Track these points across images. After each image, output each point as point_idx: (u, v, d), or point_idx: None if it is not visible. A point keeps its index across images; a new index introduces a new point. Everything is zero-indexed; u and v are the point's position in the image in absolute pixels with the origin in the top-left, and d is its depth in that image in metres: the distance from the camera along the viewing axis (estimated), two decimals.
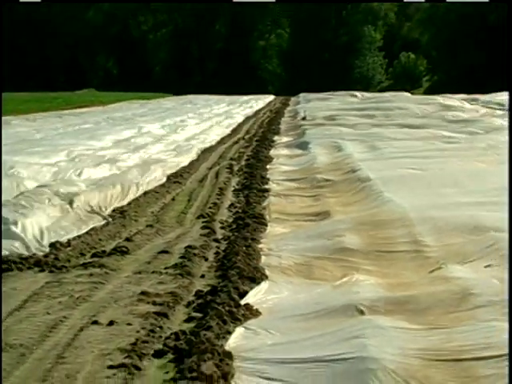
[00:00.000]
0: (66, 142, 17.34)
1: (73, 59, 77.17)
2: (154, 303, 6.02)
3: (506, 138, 17.57)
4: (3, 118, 27.41)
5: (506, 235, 6.98)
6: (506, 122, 20.46)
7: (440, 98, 33.49)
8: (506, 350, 4.26)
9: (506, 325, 4.73)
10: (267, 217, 9.32)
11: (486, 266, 6.29)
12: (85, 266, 7.25)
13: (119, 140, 18.79)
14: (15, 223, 8.23)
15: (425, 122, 22.20)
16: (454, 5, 73.48)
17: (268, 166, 14.48)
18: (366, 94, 43.52)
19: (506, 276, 5.70)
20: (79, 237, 8.46)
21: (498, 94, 35.98)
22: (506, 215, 7.80)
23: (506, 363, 4.14)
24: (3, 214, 8.40)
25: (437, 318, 5.08)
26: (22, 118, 27.77)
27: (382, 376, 4.09)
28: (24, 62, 74.84)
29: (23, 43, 75.65)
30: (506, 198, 8.61)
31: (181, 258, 7.48)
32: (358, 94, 43.47)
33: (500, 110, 27.72)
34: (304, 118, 26.47)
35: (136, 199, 10.93)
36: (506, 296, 5.22)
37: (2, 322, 4.99)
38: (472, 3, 68.70)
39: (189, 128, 23.96)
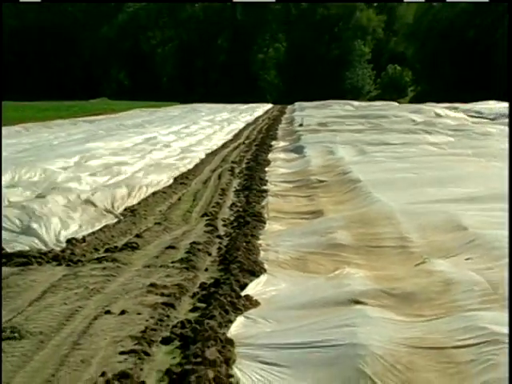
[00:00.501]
0: (81, 148, 17.34)
1: (88, 71, 77.25)
2: (162, 294, 6.02)
3: (491, 142, 17.65)
4: (23, 124, 27.55)
5: (484, 232, 7.00)
6: (491, 129, 20.34)
7: (425, 107, 33.53)
8: (485, 338, 4.27)
9: (486, 313, 4.73)
10: (265, 215, 9.33)
11: (466, 259, 6.31)
12: (98, 260, 7.26)
13: (130, 145, 18.81)
14: (35, 221, 8.25)
15: (413, 129, 22.22)
16: (436, 22, 73.65)
17: (266, 169, 14.49)
18: (356, 103, 43.53)
19: (483, 267, 5.71)
20: (93, 233, 8.47)
21: (478, 103, 36.08)
22: (486, 215, 7.84)
23: (485, 349, 4.14)
24: (24, 211, 8.42)
25: (421, 307, 5.09)
26: (40, 125, 27.76)
27: (370, 361, 4.10)
28: (44, 73, 74.99)
29: (43, 56, 75.78)
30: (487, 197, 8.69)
31: (186, 253, 7.48)
32: (354, 103, 43.54)
33: (480, 117, 27.79)
34: (301, 125, 26.41)
35: (145, 199, 10.93)
36: (487, 286, 5.23)
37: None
38: (451, 19, 68.75)
39: (194, 134, 23.98)
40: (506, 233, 6.87)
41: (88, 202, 9.72)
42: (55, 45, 76.59)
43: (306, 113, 34.88)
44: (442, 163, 13.20)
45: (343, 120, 27.60)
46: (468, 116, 28.73)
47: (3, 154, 15.48)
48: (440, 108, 32.89)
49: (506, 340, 4.19)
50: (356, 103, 44.21)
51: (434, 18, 75.45)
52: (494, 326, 4.38)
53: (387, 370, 4.03)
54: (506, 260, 6.02)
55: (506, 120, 26.16)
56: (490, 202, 8.57)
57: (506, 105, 35.92)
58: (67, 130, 25.70)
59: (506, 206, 8.08)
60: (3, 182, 10.93)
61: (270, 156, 17.13)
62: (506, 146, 16.58)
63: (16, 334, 5.05)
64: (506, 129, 21.15)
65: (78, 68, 77.05)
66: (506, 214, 7.50)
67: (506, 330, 4.32)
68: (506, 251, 6.28)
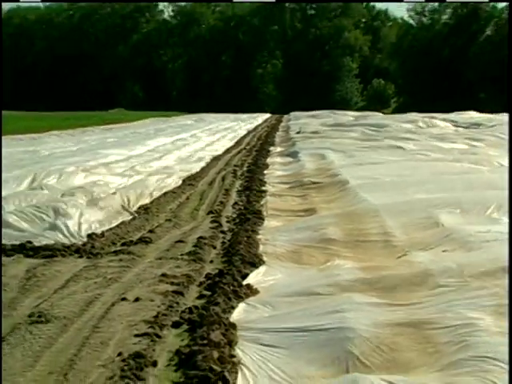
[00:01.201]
0: (104, 152, 17.35)
1: (106, 85, 77.36)
2: (172, 283, 6.02)
3: (462, 147, 17.64)
4: (49, 132, 27.57)
5: (459, 227, 7.00)
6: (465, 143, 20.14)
7: (409, 116, 33.55)
8: (459, 321, 4.27)
9: (460, 298, 4.72)
10: (264, 213, 9.32)
11: (443, 251, 6.31)
12: (115, 253, 7.25)
13: (144, 150, 18.82)
14: (59, 218, 8.25)
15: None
16: (416, 41, 73.83)
17: (265, 172, 14.48)
18: (350, 113, 43.57)
19: (460, 259, 5.71)
20: (111, 229, 8.46)
21: (452, 113, 36.12)
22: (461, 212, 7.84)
23: (460, 331, 4.14)
24: (49, 209, 8.42)
25: (402, 294, 5.09)
26: (64, 133, 27.78)
27: (358, 343, 4.11)
28: (67, 87, 75.16)
29: (67, 72, 75.95)
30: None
31: (194, 246, 7.48)
32: (349, 112, 43.62)
33: (456, 126, 27.79)
34: (298, 132, 26.31)
35: (157, 198, 10.93)
36: (467, 278, 5.22)
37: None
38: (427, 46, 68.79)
39: (200, 140, 23.99)
40: (478, 228, 6.88)
41: (107, 200, 9.73)
42: (78, 62, 76.78)
43: (301, 122, 34.89)
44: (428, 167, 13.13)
45: (334, 128, 27.63)
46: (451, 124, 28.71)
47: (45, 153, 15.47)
48: (419, 117, 32.93)
49: (480, 324, 4.18)
50: (350, 113, 44.29)
51: (414, 38, 75.74)
52: (469, 311, 4.39)
53: (373, 351, 4.04)
54: (478, 251, 6.03)
55: (476, 128, 26.20)
56: (466, 201, 8.56)
57: (481, 115, 36.00)
58: (88, 136, 25.68)
59: (480, 206, 8.12)
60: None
61: (269, 160, 17.12)
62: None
63: (42, 319, 5.05)
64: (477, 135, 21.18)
65: (98, 82, 77.22)
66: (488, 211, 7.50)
67: (478, 315, 4.33)
68: (478, 244, 6.29)
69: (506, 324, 4.16)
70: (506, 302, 4.49)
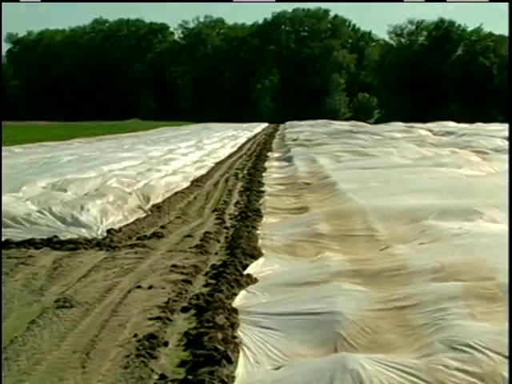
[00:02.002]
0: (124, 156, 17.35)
1: (124, 98, 77.37)
2: (181, 273, 6.01)
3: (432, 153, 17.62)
4: (73, 139, 27.58)
5: (433, 223, 6.99)
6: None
7: (389, 126, 33.58)
8: (435, 306, 4.24)
9: (436, 284, 4.71)
10: (263, 211, 9.31)
11: (420, 244, 6.30)
12: (131, 246, 7.25)
13: (156, 155, 18.82)
14: (82, 214, 8.25)
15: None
16: (396, 59, 73.89)
17: (263, 174, 14.47)
18: (336, 123, 43.58)
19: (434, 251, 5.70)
20: (127, 225, 8.45)
21: (429, 123, 36.17)
22: (435, 210, 7.81)
23: (435, 315, 4.13)
24: (73, 207, 8.42)
25: (385, 282, 5.08)
26: (85, 141, 27.78)
27: (345, 325, 4.10)
28: (89, 100, 75.25)
29: (90, 86, 76.05)
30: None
31: (200, 240, 7.47)
32: (335, 122, 43.67)
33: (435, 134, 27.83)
34: (295, 140, 26.12)
35: (168, 198, 10.92)
36: (436, 265, 5.20)
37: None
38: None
39: (206, 147, 23.97)
40: (450, 225, 6.87)
41: (124, 200, 9.71)
42: (98, 78, 76.86)
43: (295, 130, 34.86)
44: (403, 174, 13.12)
45: (325, 136, 27.61)
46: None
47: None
48: (401, 126, 32.98)
49: (452, 307, 4.16)
50: (337, 122, 44.32)
51: (394, 57, 75.83)
52: (444, 299, 4.37)
53: (358, 332, 4.03)
54: (451, 243, 6.01)
55: (451, 135, 26.19)
56: (442, 198, 8.55)
57: (456, 124, 36.02)
58: (109, 143, 25.69)
59: (449, 201, 8.10)
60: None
61: (267, 164, 17.12)
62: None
63: (67, 304, 5.04)
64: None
65: (116, 95, 77.28)
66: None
67: (450, 300, 4.30)
68: (450, 238, 6.28)
69: (479, 309, 4.15)
70: (476, 288, 4.48)
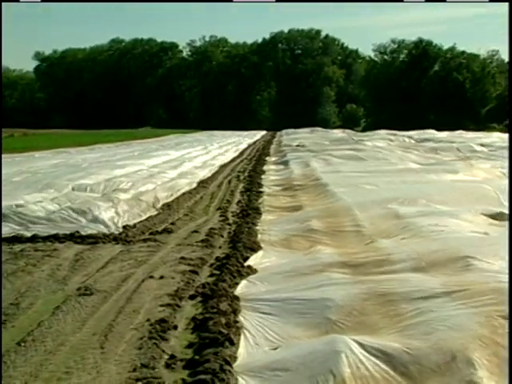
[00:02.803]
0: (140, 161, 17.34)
1: (138, 108, 77.36)
2: (189, 264, 6.01)
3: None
4: (95, 145, 27.59)
5: (414, 220, 6.96)
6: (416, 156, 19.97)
7: (375, 134, 33.53)
8: (418, 294, 4.22)
9: (415, 275, 4.70)
10: (262, 209, 9.31)
11: (402, 239, 6.30)
12: (144, 240, 7.25)
13: (167, 159, 18.81)
14: (101, 212, 8.24)
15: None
16: (380, 75, 73.88)
17: (262, 176, 14.45)
18: (326, 131, 43.56)
19: (416, 246, 5.69)
20: (141, 222, 8.46)
21: (411, 131, 36.16)
22: (416, 208, 7.81)
23: (415, 299, 4.11)
24: (93, 206, 8.41)
25: (370, 272, 5.08)
26: (105, 147, 27.77)
27: (335, 311, 4.09)
28: (107, 110, 75.31)
29: (108, 98, 76.13)
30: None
31: (206, 235, 7.47)
32: (326, 130, 43.63)
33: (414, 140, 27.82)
34: (298, 146, 25.10)
35: (177, 198, 10.92)
36: (416, 256, 5.19)
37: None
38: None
39: (211, 152, 23.95)
40: (429, 221, 6.85)
41: (138, 199, 9.71)
42: (115, 90, 76.94)
43: (291, 137, 34.82)
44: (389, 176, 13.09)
45: (317, 142, 27.57)
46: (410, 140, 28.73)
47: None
48: (384, 134, 32.91)
49: (432, 295, 4.16)
50: (327, 130, 44.28)
51: (379, 72, 75.87)
52: (423, 286, 4.37)
53: (346, 317, 4.03)
54: (431, 238, 6.01)
55: (428, 142, 26.15)
56: (419, 199, 8.54)
57: (436, 132, 35.97)
58: (125, 148, 25.67)
59: (425, 201, 8.08)
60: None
61: (265, 167, 17.09)
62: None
63: (88, 292, 5.05)
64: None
65: (131, 106, 77.31)
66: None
67: (430, 286, 4.29)
68: (428, 233, 6.27)
69: (454, 287, 4.14)
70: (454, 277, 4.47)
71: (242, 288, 5.00)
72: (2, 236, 7.18)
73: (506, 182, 9.83)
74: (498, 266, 4.63)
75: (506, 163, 13.70)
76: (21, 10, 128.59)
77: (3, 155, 20.31)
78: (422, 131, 36.44)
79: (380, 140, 27.37)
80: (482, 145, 22.07)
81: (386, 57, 78.07)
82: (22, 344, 3.91)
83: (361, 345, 3.36)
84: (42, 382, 3.40)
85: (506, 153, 17.41)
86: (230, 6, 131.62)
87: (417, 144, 25.15)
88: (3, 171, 12.81)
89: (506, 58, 75.72)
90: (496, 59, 76.06)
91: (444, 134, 33.53)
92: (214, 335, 3.88)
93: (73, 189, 10.83)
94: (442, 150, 20.10)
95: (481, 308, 3.75)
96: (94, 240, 7.15)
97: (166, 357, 3.71)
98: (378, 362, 3.24)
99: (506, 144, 21.37)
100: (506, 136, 28.35)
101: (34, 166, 16.25)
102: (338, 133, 39.84)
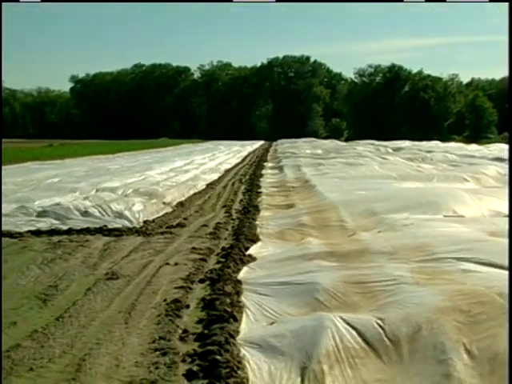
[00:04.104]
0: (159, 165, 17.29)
1: (156, 122, 77.42)
2: (199, 253, 6.00)
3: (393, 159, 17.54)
4: (117, 154, 27.55)
5: (389, 216, 6.94)
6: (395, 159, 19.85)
7: (356, 144, 33.49)
8: (389, 277, 4.22)
9: (390, 264, 4.69)
10: (260, 207, 9.29)
11: (378, 232, 6.29)
12: (162, 233, 7.23)
13: (178, 165, 18.79)
14: (125, 209, 8.23)
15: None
16: (360, 94, 73.88)
17: (261, 179, 14.42)
18: (317, 140, 43.48)
19: (389, 237, 5.67)
20: (159, 217, 8.44)
21: (388, 141, 36.12)
22: (390, 206, 7.78)
23: (389, 282, 4.10)
24: (118, 204, 8.40)
25: (352, 260, 5.07)
26: (128, 154, 27.68)
27: (322, 292, 4.09)
28: (130, 123, 75.32)
29: (131, 113, 76.06)
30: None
31: (213, 229, 7.46)
32: (317, 140, 43.59)
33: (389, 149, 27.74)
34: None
35: (189, 197, 10.90)
36: (391, 248, 5.18)
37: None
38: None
39: (218, 159, 23.94)
40: (401, 216, 6.84)
41: (156, 198, 9.70)
42: (137, 107, 77.01)
43: (285, 145, 34.79)
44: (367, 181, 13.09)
45: (308, 150, 27.53)
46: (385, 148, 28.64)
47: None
48: (362, 144, 32.86)
49: (403, 279, 4.15)
50: (318, 140, 44.26)
51: (358, 92, 76.11)
52: (395, 272, 4.37)
53: (332, 297, 4.02)
54: (402, 232, 5.99)
55: (403, 150, 26.07)
56: (394, 198, 8.51)
57: (408, 142, 35.84)
58: (144, 155, 25.63)
59: (400, 201, 8.04)
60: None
61: (263, 172, 17.07)
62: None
63: (114, 276, 5.04)
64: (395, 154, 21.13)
65: (151, 120, 77.35)
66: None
67: (401, 273, 4.29)
68: (400, 227, 6.25)
69: (422, 276, 4.13)
70: (424, 264, 4.46)
71: (243, 273, 4.99)
72: (43, 229, 7.18)
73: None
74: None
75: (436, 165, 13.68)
76: (50, 39, 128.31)
77: (46, 160, 20.46)
78: (396, 141, 36.43)
79: (362, 148, 27.35)
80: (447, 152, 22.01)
81: (364, 79, 78.32)
82: (60, 319, 3.91)
83: (344, 320, 3.36)
84: (76, 351, 3.40)
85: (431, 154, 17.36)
86: (236, 33, 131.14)
87: (393, 152, 25.10)
88: (49, 172, 12.74)
89: (464, 80, 76.41)
90: (456, 81, 76.78)
91: (409, 143, 33.56)
92: (220, 313, 3.88)
93: (97, 190, 10.82)
94: (415, 158, 19.91)
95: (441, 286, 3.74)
96: (119, 233, 7.14)
97: (180, 331, 3.70)
98: (357, 334, 3.24)
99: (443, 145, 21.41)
100: (454, 144, 28.54)
101: (71, 170, 16.23)
102: (327, 142, 39.81)
